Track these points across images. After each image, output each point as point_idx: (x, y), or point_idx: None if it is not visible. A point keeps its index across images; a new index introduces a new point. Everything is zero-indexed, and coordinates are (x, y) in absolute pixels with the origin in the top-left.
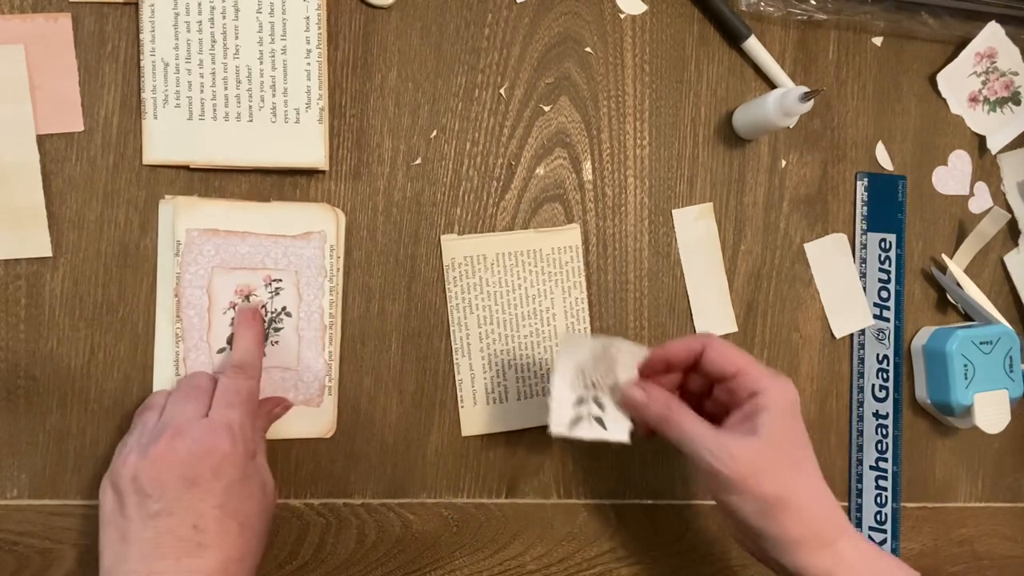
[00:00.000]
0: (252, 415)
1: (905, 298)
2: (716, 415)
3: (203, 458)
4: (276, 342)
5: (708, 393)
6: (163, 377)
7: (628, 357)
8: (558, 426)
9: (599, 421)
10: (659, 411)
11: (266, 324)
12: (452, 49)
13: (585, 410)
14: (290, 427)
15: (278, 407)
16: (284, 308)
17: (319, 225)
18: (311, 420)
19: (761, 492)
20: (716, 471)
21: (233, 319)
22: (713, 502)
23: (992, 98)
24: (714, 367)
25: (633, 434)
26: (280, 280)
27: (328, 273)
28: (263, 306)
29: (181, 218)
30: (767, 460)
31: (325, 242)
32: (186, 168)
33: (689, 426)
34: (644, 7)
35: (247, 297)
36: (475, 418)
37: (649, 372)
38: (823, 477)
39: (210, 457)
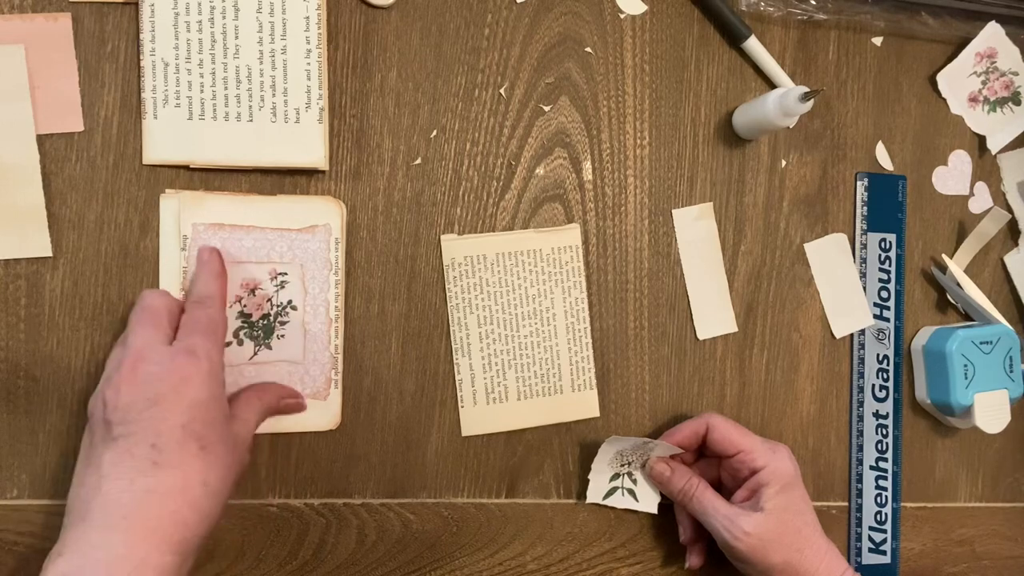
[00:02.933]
0: (218, 344)
1: (905, 298)
2: (729, 484)
3: (164, 379)
4: (282, 335)
5: (721, 460)
6: None
7: (662, 450)
8: (594, 496)
9: (631, 493)
10: (681, 486)
11: (272, 318)
12: (452, 49)
13: (620, 483)
14: (297, 420)
15: (290, 399)
16: (290, 301)
17: (324, 218)
18: (318, 413)
19: (769, 562)
20: (731, 545)
21: (239, 313)
22: None
23: (992, 98)
24: (718, 447)
25: (661, 507)
26: (285, 273)
27: (333, 266)
28: (268, 299)
29: (187, 212)
30: (772, 532)
31: (330, 235)
32: (186, 168)
33: (708, 502)
34: (644, 7)
35: (253, 291)
36: (475, 418)
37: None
38: (821, 531)
39: (171, 377)
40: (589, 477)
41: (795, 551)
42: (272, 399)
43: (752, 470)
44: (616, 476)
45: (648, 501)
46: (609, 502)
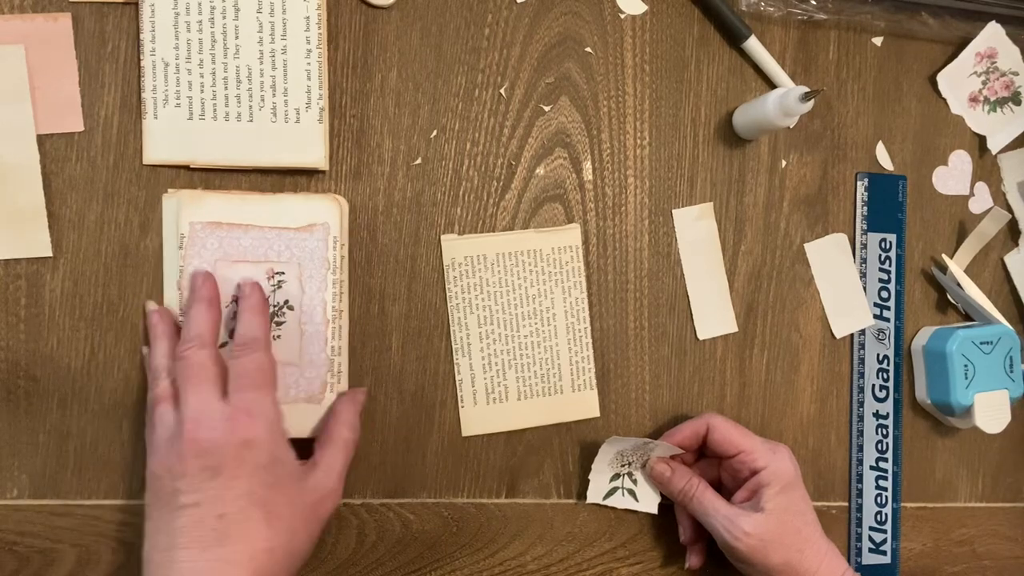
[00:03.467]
0: (271, 393)
1: (905, 298)
2: (730, 485)
3: (224, 447)
4: (278, 336)
5: (721, 461)
6: None
7: (663, 450)
8: (594, 496)
9: (631, 493)
10: (682, 487)
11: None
12: (452, 49)
13: (620, 483)
14: (292, 425)
15: (360, 404)
16: (287, 302)
17: (323, 217)
18: (314, 418)
19: (770, 563)
20: (731, 546)
21: (235, 313)
22: None
23: (992, 98)
24: (718, 448)
25: (661, 507)
26: (283, 273)
27: (331, 266)
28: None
29: (185, 211)
30: (772, 532)
31: (329, 233)
32: (186, 168)
33: (708, 503)
34: (644, 7)
35: None
36: (475, 418)
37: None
38: (821, 531)
39: (231, 443)
40: (589, 477)
41: (795, 551)
42: (352, 434)
43: (752, 470)
44: (616, 476)
45: (648, 501)
46: (609, 502)
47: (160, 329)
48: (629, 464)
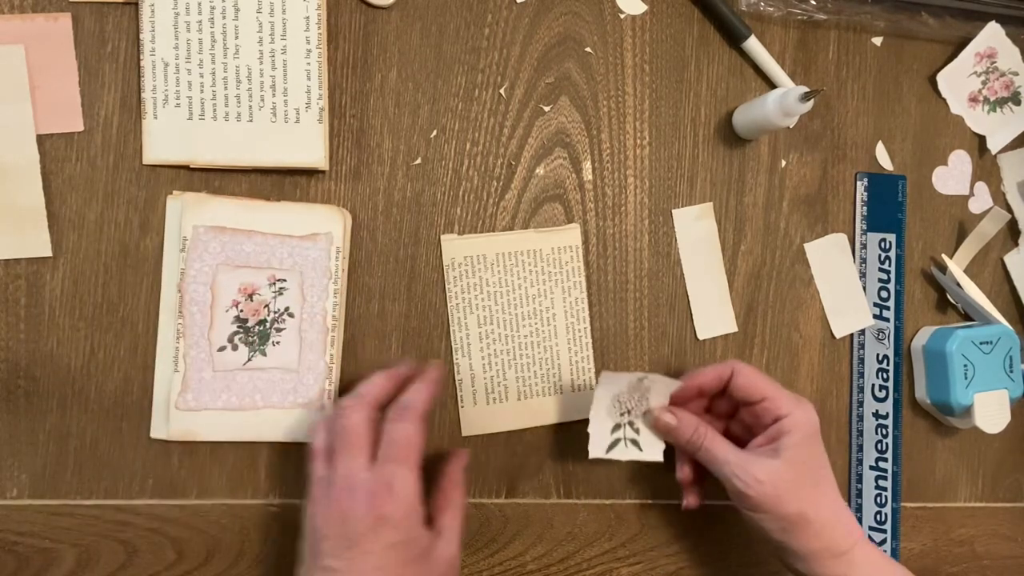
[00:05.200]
0: (414, 468)
1: (905, 298)
2: (740, 436)
3: (363, 519)
4: (278, 342)
5: (733, 414)
6: (163, 374)
7: (661, 386)
8: (596, 450)
9: (635, 443)
10: (688, 436)
11: (268, 324)
12: (452, 49)
13: (621, 434)
14: (289, 431)
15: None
16: (287, 308)
17: (326, 227)
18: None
19: (783, 511)
20: (742, 493)
21: (235, 317)
22: (711, 503)
23: (992, 98)
24: (742, 393)
25: (667, 454)
26: (284, 280)
27: (333, 275)
28: (266, 305)
29: (188, 214)
30: (788, 481)
31: (331, 244)
32: (186, 168)
33: (718, 450)
34: (644, 7)
35: (251, 296)
36: (475, 418)
37: (681, 398)
38: (838, 491)
39: (369, 517)
40: (588, 430)
41: (811, 503)
42: (465, 495)
43: (776, 417)
44: (617, 427)
45: (653, 449)
46: (613, 455)
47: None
48: (628, 412)
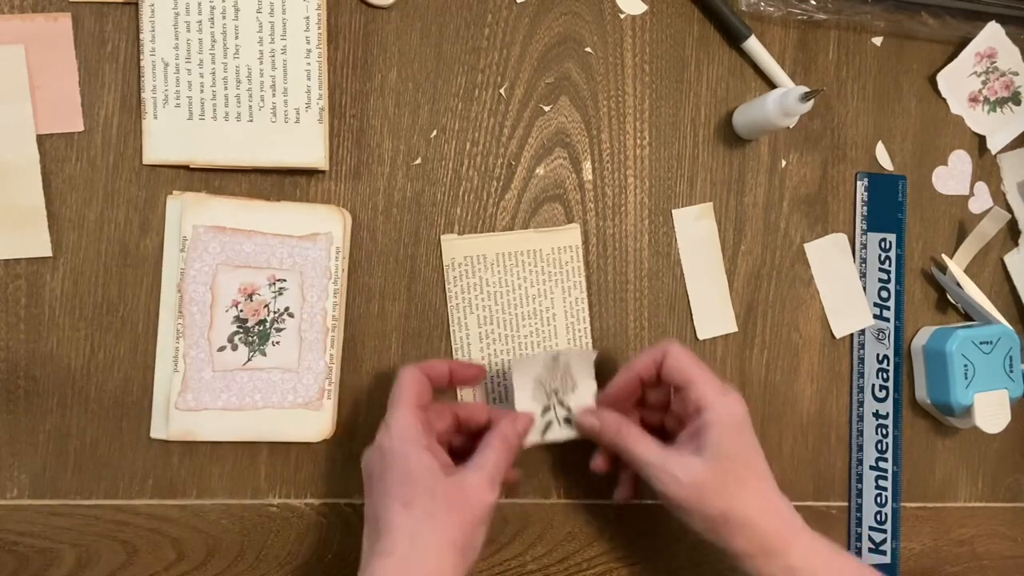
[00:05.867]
0: (411, 405)
1: (905, 298)
2: (675, 429)
3: (370, 460)
4: (277, 342)
5: (667, 406)
6: (163, 374)
7: (579, 360)
8: (532, 438)
9: (568, 422)
10: (610, 437)
11: (268, 324)
12: (452, 49)
13: (552, 416)
14: (288, 430)
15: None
16: (287, 308)
17: (326, 227)
18: (310, 423)
19: (706, 512)
20: (663, 494)
21: (235, 318)
22: None
23: (992, 98)
24: (670, 375)
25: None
26: (284, 280)
27: (333, 275)
28: (265, 305)
29: (188, 214)
30: (710, 480)
31: (331, 244)
32: (186, 168)
33: (638, 449)
34: (644, 7)
35: (251, 296)
36: None
37: (620, 391)
38: (774, 486)
39: (375, 455)
40: None
41: (736, 503)
42: (499, 439)
43: (698, 408)
44: (546, 410)
45: None
46: (549, 438)
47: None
48: (555, 392)
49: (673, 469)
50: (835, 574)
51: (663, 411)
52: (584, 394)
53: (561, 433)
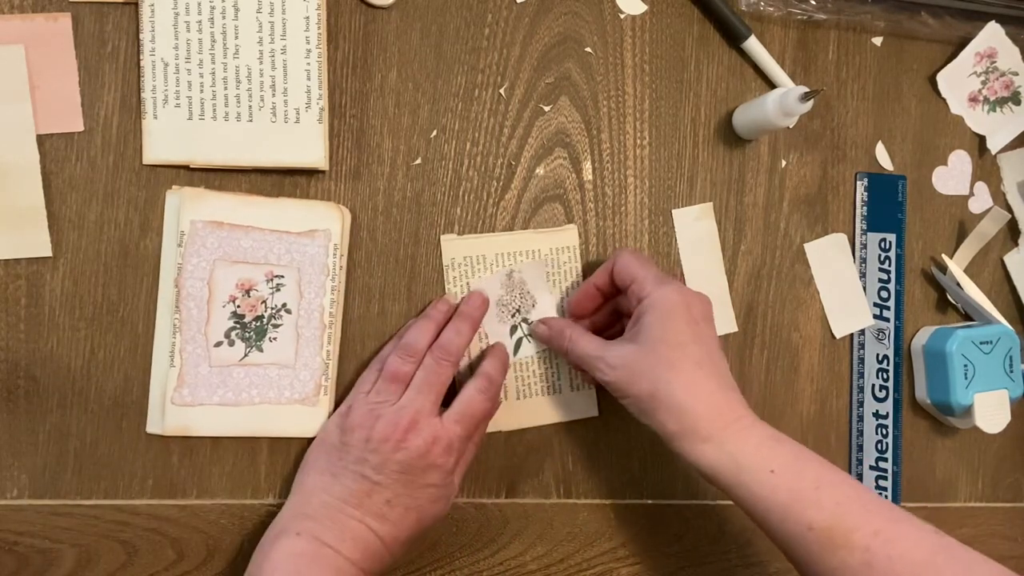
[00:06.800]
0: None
1: (905, 298)
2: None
3: (420, 459)
4: (274, 339)
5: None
6: (160, 369)
7: (533, 271)
8: (511, 357)
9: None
10: (558, 341)
11: (265, 320)
12: (452, 49)
13: (520, 333)
14: (285, 426)
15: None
16: (284, 305)
17: (324, 223)
18: (307, 419)
19: (635, 393)
20: (604, 382)
21: (232, 313)
22: (712, 502)
23: (992, 98)
24: (620, 279)
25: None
26: (282, 276)
27: (330, 272)
28: (263, 301)
29: (187, 209)
30: (639, 361)
31: (329, 240)
32: (186, 168)
33: (581, 345)
34: (644, 7)
35: (248, 292)
36: None
37: (583, 303)
38: (714, 375)
39: (424, 460)
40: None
41: (663, 384)
42: (484, 380)
43: (639, 299)
44: (514, 328)
45: None
46: (521, 356)
47: (438, 313)
48: (518, 311)
49: (608, 356)
50: (765, 459)
51: (619, 316)
52: (545, 309)
53: (530, 349)
